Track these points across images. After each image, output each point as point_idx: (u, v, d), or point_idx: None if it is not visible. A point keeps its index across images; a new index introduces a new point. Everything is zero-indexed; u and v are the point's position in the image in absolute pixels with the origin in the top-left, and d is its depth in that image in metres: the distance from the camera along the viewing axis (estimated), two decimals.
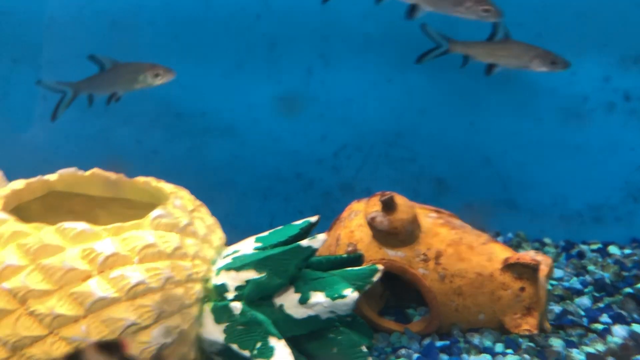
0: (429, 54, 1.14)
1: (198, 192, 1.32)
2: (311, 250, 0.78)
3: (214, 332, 0.78)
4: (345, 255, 0.89)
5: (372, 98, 1.30)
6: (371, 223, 0.88)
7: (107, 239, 0.75)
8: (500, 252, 0.89)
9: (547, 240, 1.27)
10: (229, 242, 0.91)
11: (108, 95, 1.17)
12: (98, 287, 0.72)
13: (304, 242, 0.78)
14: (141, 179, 0.92)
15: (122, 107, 1.26)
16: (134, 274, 0.74)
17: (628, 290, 1.00)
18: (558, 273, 1.10)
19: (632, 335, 0.86)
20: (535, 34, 1.23)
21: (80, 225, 0.76)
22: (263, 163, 1.32)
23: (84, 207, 0.95)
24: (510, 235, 1.29)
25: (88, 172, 0.92)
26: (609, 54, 1.26)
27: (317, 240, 0.78)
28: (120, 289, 0.72)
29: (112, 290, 0.72)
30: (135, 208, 0.94)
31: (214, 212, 1.29)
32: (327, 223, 1.07)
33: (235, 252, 0.85)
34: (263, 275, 0.78)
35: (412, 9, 1.02)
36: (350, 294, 0.75)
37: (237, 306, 0.77)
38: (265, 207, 1.34)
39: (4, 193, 0.84)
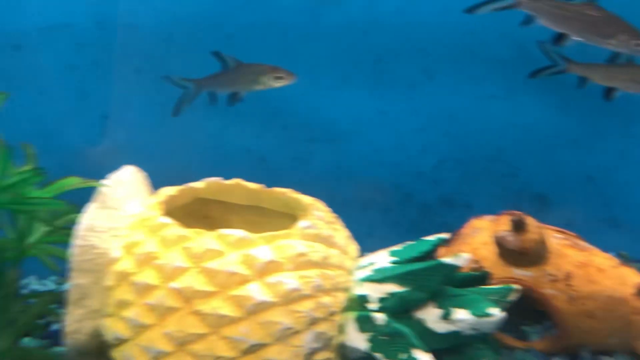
0: (544, 70, 1.15)
1: None
2: (454, 268, 0.81)
3: (358, 340, 0.82)
4: (471, 273, 0.92)
5: (475, 113, 1.33)
6: (501, 242, 0.91)
7: (264, 246, 0.80)
8: (633, 277, 0.90)
9: None
10: None
11: (229, 95, 1.22)
12: (258, 291, 0.77)
13: (447, 260, 0.81)
14: (279, 189, 0.97)
15: (233, 113, 1.32)
16: (290, 280, 0.78)
17: None
18: None
19: None
20: None
21: (239, 232, 0.81)
22: (364, 174, 1.37)
23: (219, 213, 1.01)
24: (612, 254, 1.28)
25: (232, 182, 0.97)
26: None
27: (462, 259, 0.81)
28: (277, 294, 0.77)
29: (270, 295, 0.77)
30: (267, 216, 1.00)
31: None
32: (424, 235, 1.10)
33: (371, 264, 0.89)
34: (406, 289, 0.81)
35: (559, 37, 1.03)
36: (498, 313, 0.78)
37: (380, 317, 0.81)
38: (365, 217, 1.38)
39: (161, 199, 0.90)
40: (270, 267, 0.79)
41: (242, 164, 1.37)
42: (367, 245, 0.98)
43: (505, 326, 0.98)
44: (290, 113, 1.35)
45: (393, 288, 0.82)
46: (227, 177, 1.06)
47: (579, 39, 1.03)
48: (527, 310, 0.95)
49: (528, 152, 1.31)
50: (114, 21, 1.38)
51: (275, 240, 0.82)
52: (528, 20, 1.07)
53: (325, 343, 0.80)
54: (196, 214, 1.00)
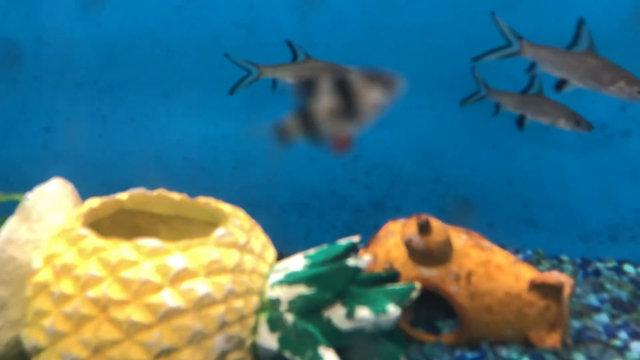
0: (471, 97, 1.25)
1: (242, 207, 1.42)
2: (357, 269, 0.87)
3: (269, 340, 0.87)
4: (383, 273, 0.98)
5: (403, 122, 1.40)
6: (408, 244, 0.97)
7: (177, 255, 0.85)
8: (527, 273, 0.97)
9: (564, 257, 1.35)
10: None
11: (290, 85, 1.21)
12: (170, 298, 0.82)
13: (351, 262, 0.87)
14: (202, 199, 1.02)
15: (174, 122, 1.36)
16: (202, 286, 0.83)
17: None
18: (576, 290, 1.18)
19: None
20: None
21: (153, 242, 0.86)
22: (300, 181, 1.42)
23: (148, 223, 1.05)
24: (529, 252, 1.37)
25: (155, 193, 1.02)
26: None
27: (363, 261, 0.87)
28: (189, 300, 0.82)
29: (182, 301, 0.82)
30: (194, 225, 1.04)
31: None
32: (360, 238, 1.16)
33: (285, 268, 0.94)
34: (313, 290, 0.87)
35: (561, 83, 1.09)
36: (394, 310, 0.84)
37: (289, 317, 0.87)
38: (302, 222, 1.44)
39: (82, 211, 0.94)
40: (183, 275, 0.84)
41: (183, 173, 1.41)
42: (305, 248, 1.03)
43: (420, 322, 1.06)
44: (228, 123, 1.40)
45: (302, 290, 0.88)
46: (169, 187, 1.11)
47: (580, 85, 1.08)
48: (442, 306, 1.02)
49: (452, 158, 1.39)
50: (54, 36, 1.41)
51: (190, 249, 0.86)
52: (531, 67, 1.14)
53: (237, 344, 0.85)
54: (127, 224, 1.04)
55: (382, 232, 1.09)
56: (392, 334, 0.94)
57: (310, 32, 1.36)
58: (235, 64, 1.25)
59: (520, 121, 1.21)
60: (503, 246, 1.38)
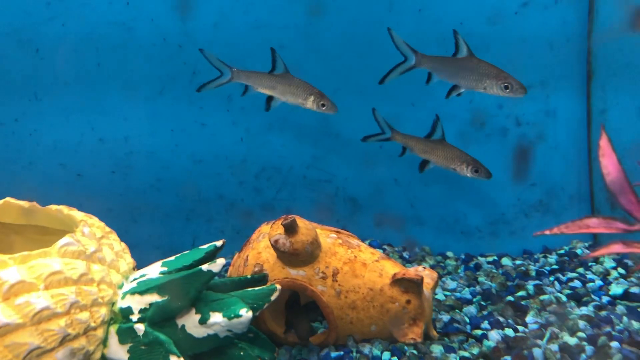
0: (373, 137, 1.28)
1: (122, 214, 1.36)
2: (211, 274, 0.84)
3: (119, 352, 0.83)
4: (250, 276, 0.96)
5: (290, 124, 1.39)
6: (274, 245, 0.96)
7: (12, 267, 0.79)
8: (391, 269, 0.98)
9: (449, 253, 1.40)
10: (153, 261, 0.95)
11: (267, 98, 1.20)
12: (2, 313, 0.76)
13: (204, 267, 0.84)
14: (54, 207, 0.96)
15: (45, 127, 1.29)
16: (39, 300, 0.78)
17: (509, 298, 1.13)
18: (452, 285, 1.21)
19: (504, 338, 0.97)
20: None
21: None
22: (186, 185, 1.38)
23: (2, 235, 0.98)
24: (417, 249, 1.40)
25: (0, 202, 0.95)
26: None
27: (217, 265, 0.85)
28: (25, 314, 0.77)
29: (17, 317, 0.76)
30: (51, 234, 0.98)
31: (137, 234, 1.34)
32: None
33: (142, 276, 0.90)
34: (165, 298, 0.84)
35: (453, 88, 1.18)
36: (245, 313, 0.82)
37: (140, 327, 0.83)
38: (188, 228, 1.39)
39: None
40: (18, 288, 0.78)
41: (59, 180, 1.33)
42: None
43: (294, 323, 1.05)
44: (106, 126, 1.34)
45: (154, 298, 0.84)
46: (44, 195, 1.04)
47: (468, 88, 1.17)
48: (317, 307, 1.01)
49: (341, 159, 1.40)
50: None
51: (28, 261, 0.81)
52: (429, 78, 1.21)
53: (83, 358, 0.80)
54: None
55: (255, 234, 1.07)
56: (256, 339, 0.92)
57: (191, 31, 1.32)
58: (209, 63, 1.22)
59: (423, 165, 1.26)
60: (390, 244, 1.41)
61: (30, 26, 1.27)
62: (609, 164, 0.95)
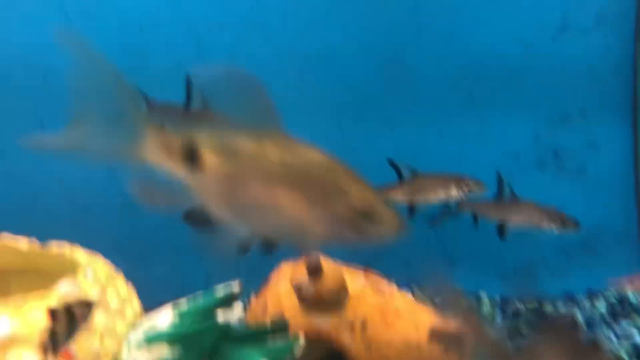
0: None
1: (131, 251, 1.26)
2: (226, 327, 0.75)
3: None
4: (269, 324, 0.86)
5: None
6: (297, 292, 0.86)
7: (3, 317, 0.70)
8: (427, 318, 0.87)
9: (482, 294, 1.28)
10: (163, 299, 0.85)
11: None
12: None
13: (220, 319, 0.75)
14: (55, 247, 0.87)
15: None
16: (33, 356, 0.68)
17: None
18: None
19: None
20: (467, 92, 1.28)
21: None
22: None
23: None
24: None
25: None
26: (537, 115, 1.31)
27: (233, 314, 0.75)
28: None
29: None
30: (50, 279, 0.88)
31: (146, 271, 1.23)
32: None
33: (150, 325, 0.80)
34: (176, 352, 0.74)
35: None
36: None
37: None
38: (201, 265, 1.29)
39: None
40: (8, 342, 0.68)
41: (65, 215, 1.25)
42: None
43: None
44: None
45: (163, 352, 0.74)
46: (49, 231, 0.95)
47: None
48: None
49: None
50: None
51: (22, 308, 0.72)
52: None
53: None
54: None
55: (274, 275, 0.97)
56: None
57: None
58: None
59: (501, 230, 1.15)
60: (419, 286, 1.29)
61: (38, 51, 1.21)
62: None
